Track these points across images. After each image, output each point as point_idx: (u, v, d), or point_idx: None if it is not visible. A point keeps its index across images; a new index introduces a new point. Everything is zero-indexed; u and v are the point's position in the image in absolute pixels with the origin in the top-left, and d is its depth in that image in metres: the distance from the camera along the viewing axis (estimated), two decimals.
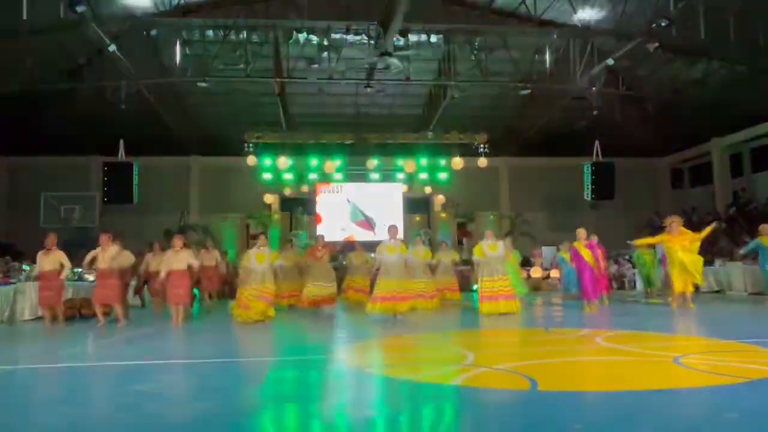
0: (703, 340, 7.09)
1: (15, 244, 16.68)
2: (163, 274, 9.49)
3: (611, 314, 10.03)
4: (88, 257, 9.53)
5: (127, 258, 10.04)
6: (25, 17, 11.50)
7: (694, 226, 10.43)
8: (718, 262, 15.41)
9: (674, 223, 10.24)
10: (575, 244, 10.77)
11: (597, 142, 19.21)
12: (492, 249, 10.10)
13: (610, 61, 14.57)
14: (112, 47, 13.33)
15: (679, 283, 10.02)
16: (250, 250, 9.97)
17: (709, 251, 15.53)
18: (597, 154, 19.18)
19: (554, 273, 17.71)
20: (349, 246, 13.85)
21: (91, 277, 11.46)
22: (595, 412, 3.71)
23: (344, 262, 12.70)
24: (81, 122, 17.58)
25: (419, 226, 19.91)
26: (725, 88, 16.49)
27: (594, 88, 16.37)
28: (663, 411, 3.61)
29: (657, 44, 13.65)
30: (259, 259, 9.56)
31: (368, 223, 20.26)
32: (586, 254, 10.50)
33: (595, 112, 17.22)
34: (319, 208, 20.56)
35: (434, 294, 11.42)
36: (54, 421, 3.70)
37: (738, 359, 5.33)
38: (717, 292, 14.56)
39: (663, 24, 12.29)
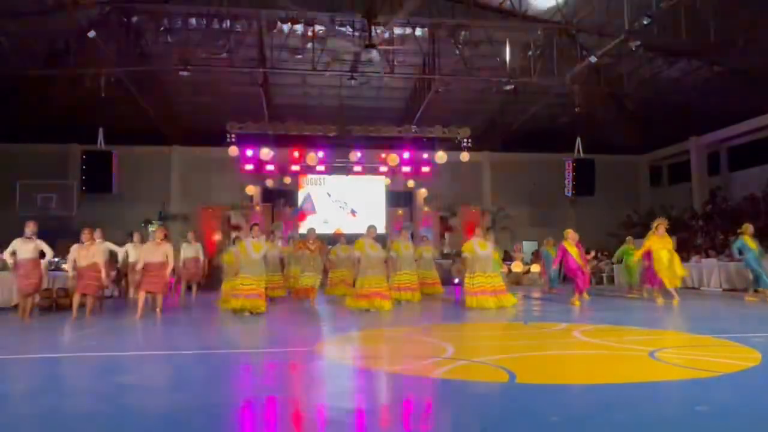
0: (678, 334, 7.23)
1: None
2: (139, 266, 9.42)
3: (590, 309, 10.19)
4: (71, 258, 9.42)
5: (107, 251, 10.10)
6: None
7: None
8: (694, 259, 15.69)
9: (661, 225, 10.93)
10: (565, 243, 11.14)
11: (578, 139, 19.40)
12: (482, 247, 10.25)
13: (593, 59, 14.70)
14: (92, 33, 13.11)
15: (668, 280, 10.63)
16: (245, 240, 9.89)
17: (685, 248, 15.85)
18: (578, 151, 19.38)
19: (534, 268, 17.90)
20: (335, 238, 13.93)
21: (67, 267, 11.30)
22: (572, 404, 3.77)
23: (330, 256, 12.73)
24: (59, 109, 17.25)
25: (402, 220, 19.95)
26: (704, 87, 16.74)
27: (576, 85, 16.52)
28: (637, 403, 3.69)
29: (639, 43, 13.80)
30: (256, 248, 9.51)
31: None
32: (574, 252, 11.03)
33: (577, 109, 17.37)
34: (302, 203, 20.51)
35: (417, 287, 11.49)
36: (33, 412, 3.66)
37: (711, 354, 5.45)
38: (693, 288, 14.85)
39: (645, 22, 12.41)
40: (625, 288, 14.08)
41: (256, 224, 10.33)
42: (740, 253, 11.38)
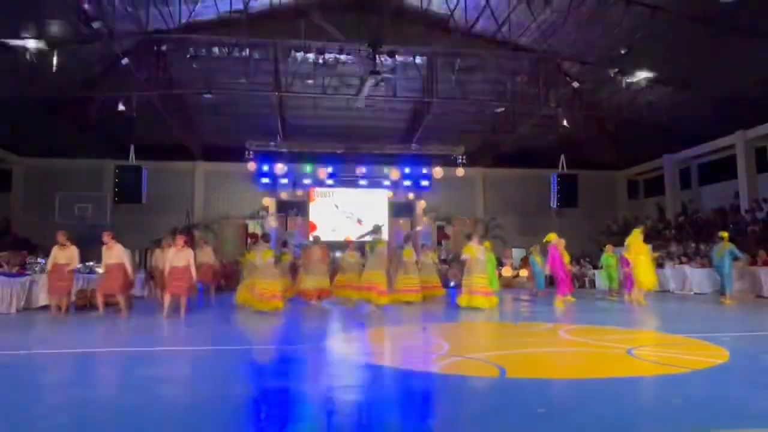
0: (654, 334, 7.18)
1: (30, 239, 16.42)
2: (166, 270, 9.43)
3: (574, 310, 10.13)
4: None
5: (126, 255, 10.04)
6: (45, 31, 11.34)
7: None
8: (668, 265, 15.61)
9: (640, 233, 11.00)
10: (552, 247, 11.16)
11: (562, 156, 19.40)
12: (477, 251, 10.28)
13: (576, 84, 14.75)
14: (125, 60, 13.20)
15: (644, 283, 10.61)
16: (258, 248, 9.83)
17: (660, 256, 15.77)
18: (562, 167, 19.38)
19: (523, 272, 17.83)
20: (345, 245, 13.92)
21: (100, 270, 11.32)
22: (557, 397, 3.75)
23: (341, 263, 12.70)
24: (95, 128, 17.35)
25: (403, 229, 19.96)
26: (676, 110, 16.75)
27: (560, 108, 16.54)
28: (617, 396, 3.66)
29: (617, 70, 13.86)
30: (265, 256, 9.53)
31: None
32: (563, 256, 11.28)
33: (561, 129, 17.39)
34: (312, 215, 20.54)
35: (418, 289, 11.43)
36: (65, 402, 3.65)
37: (684, 352, 5.41)
38: (666, 291, 14.76)
39: (623, 51, 12.48)
40: (606, 291, 14.01)
41: (266, 234, 10.42)
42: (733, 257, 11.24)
